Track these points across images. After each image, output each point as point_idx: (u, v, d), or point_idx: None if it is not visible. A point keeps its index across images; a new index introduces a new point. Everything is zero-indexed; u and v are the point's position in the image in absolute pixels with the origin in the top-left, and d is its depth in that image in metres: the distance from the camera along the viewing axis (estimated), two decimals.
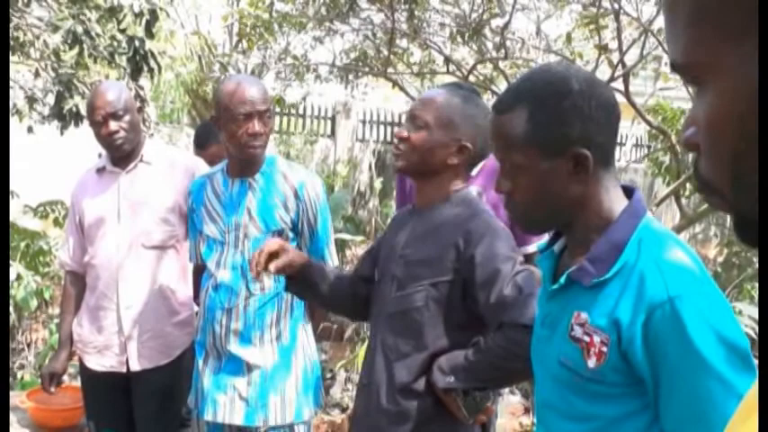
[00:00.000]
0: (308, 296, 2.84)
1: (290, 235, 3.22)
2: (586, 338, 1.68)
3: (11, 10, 5.59)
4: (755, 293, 6.54)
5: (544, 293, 1.89)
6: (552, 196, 1.75)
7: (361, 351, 5.28)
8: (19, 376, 6.02)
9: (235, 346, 3.24)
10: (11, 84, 8.26)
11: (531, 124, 1.73)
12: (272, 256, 2.61)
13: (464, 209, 2.52)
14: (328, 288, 2.74)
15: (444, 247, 2.46)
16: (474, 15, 7.81)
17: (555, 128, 1.71)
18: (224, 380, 3.26)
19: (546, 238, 1.96)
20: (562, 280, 1.75)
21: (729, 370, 1.52)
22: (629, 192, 1.79)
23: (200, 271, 3.50)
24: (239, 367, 3.24)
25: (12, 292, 6.01)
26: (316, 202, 3.28)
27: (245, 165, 3.25)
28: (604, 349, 1.64)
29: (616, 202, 1.75)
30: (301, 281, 2.72)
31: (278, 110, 11.98)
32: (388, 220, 2.87)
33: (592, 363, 1.67)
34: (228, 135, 3.18)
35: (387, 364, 2.54)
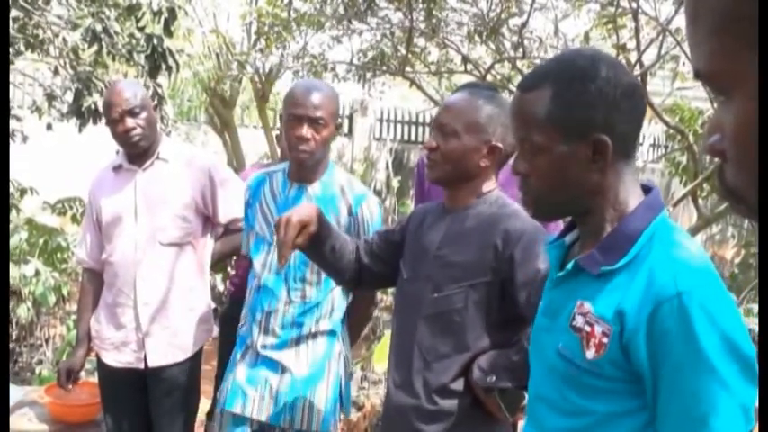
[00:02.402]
0: (310, 250, 2.69)
1: None
2: (587, 328, 1.64)
3: (31, 8, 5.63)
4: None
5: (549, 283, 1.86)
6: (568, 182, 1.71)
7: (378, 349, 5.27)
8: (37, 371, 6.05)
9: (270, 350, 3.23)
10: (30, 81, 8.31)
11: (555, 104, 1.69)
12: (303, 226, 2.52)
13: (498, 209, 2.51)
14: (331, 249, 2.68)
15: (482, 247, 2.45)
16: (492, 14, 7.79)
17: (578, 110, 1.67)
18: (258, 374, 3.24)
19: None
20: (569, 266, 1.72)
21: (733, 375, 1.49)
22: (647, 190, 1.75)
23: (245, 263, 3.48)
24: (275, 366, 3.23)
25: (30, 288, 6.05)
26: (369, 222, 3.23)
27: (300, 170, 3.23)
28: (605, 340, 1.61)
29: (632, 196, 1.72)
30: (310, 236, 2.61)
31: None
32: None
33: (590, 354, 1.63)
34: (284, 135, 3.21)
35: (424, 365, 2.52)
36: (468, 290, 2.45)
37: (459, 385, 2.49)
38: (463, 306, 2.46)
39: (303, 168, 3.22)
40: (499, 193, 2.58)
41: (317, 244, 2.63)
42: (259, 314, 3.24)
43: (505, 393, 2.46)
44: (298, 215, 2.52)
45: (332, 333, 3.28)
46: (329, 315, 3.26)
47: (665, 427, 1.58)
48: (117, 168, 3.69)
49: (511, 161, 3.02)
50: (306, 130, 3.10)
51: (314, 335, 3.24)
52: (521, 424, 3.84)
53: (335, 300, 3.27)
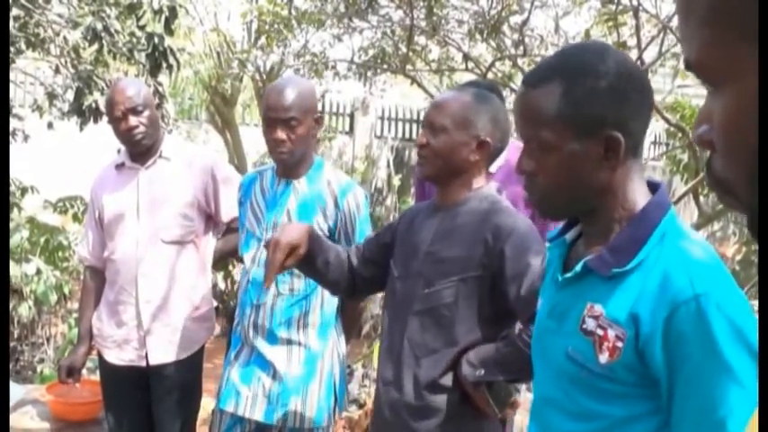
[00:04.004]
0: (301, 267, 2.73)
1: None
2: (600, 332, 1.59)
3: (32, 7, 5.63)
4: None
5: (552, 283, 1.80)
6: (578, 180, 1.65)
7: (378, 347, 5.28)
8: (39, 370, 6.06)
9: (262, 343, 3.24)
10: (31, 80, 8.31)
11: (566, 101, 1.62)
12: (292, 248, 2.56)
13: (489, 205, 2.53)
14: (324, 263, 2.70)
15: (473, 242, 2.48)
16: (493, 12, 7.79)
17: (590, 107, 1.61)
18: (251, 373, 3.26)
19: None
20: (578, 268, 1.66)
21: (751, 377, 1.45)
22: (653, 187, 1.70)
23: None
24: (267, 366, 3.24)
25: (32, 286, 6.05)
26: (355, 213, 3.23)
27: (285, 167, 3.25)
28: (619, 345, 1.55)
29: (640, 194, 1.66)
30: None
31: None
32: None
33: (603, 358, 1.58)
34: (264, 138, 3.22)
35: (414, 361, 2.54)
36: (458, 284, 2.48)
37: (448, 380, 2.51)
38: (453, 301, 2.49)
39: (287, 166, 3.24)
40: (490, 190, 2.61)
41: (308, 261, 2.66)
42: (248, 308, 3.26)
43: (494, 388, 2.47)
44: (287, 237, 2.55)
45: (323, 328, 3.29)
46: (319, 308, 3.26)
47: (681, 431, 1.54)
48: (119, 166, 3.69)
49: (507, 160, 3.04)
50: (280, 133, 3.11)
51: (304, 329, 3.24)
52: (518, 418, 3.85)
53: (325, 293, 3.25)
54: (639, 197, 1.67)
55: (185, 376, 3.69)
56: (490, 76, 7.90)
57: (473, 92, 2.60)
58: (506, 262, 2.40)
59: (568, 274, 1.71)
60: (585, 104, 1.62)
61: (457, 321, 2.49)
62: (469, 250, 2.48)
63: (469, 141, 2.52)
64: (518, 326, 2.46)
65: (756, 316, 1.50)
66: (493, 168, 3.19)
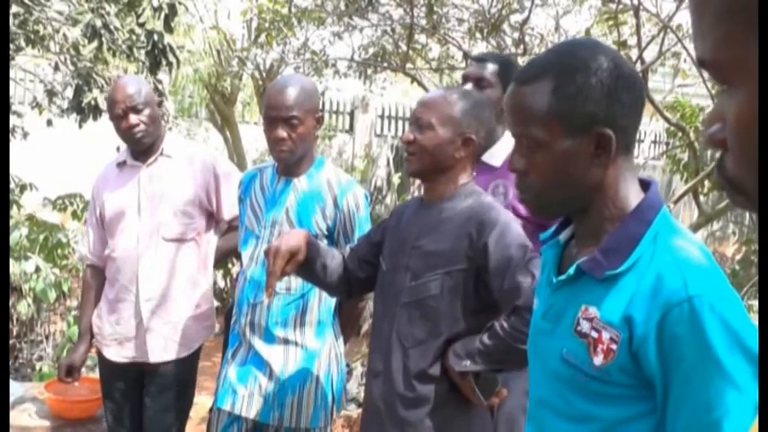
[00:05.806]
0: (300, 272, 2.79)
1: (325, 242, 3.16)
2: (594, 334, 1.58)
3: (32, 4, 5.63)
4: None
5: (547, 284, 1.78)
6: (569, 178, 1.64)
7: None
8: (37, 368, 6.06)
9: (258, 342, 3.23)
10: (30, 77, 8.30)
11: (556, 97, 1.62)
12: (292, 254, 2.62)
13: (473, 201, 2.62)
14: (322, 267, 2.77)
15: (458, 237, 2.56)
16: (493, 11, 7.79)
17: (581, 104, 1.60)
18: (248, 372, 3.25)
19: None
20: (571, 271, 1.65)
21: (745, 376, 1.44)
22: (645, 185, 1.69)
23: None
24: (263, 365, 3.24)
25: (31, 284, 6.04)
26: (355, 212, 3.22)
27: (285, 166, 3.25)
28: (613, 347, 1.55)
29: (633, 193, 1.65)
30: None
31: None
32: None
33: (598, 360, 1.57)
34: (264, 136, 3.22)
35: (403, 352, 2.63)
36: (444, 277, 2.56)
37: (436, 371, 2.59)
38: (439, 293, 2.57)
39: (287, 165, 3.24)
40: (475, 187, 2.69)
41: (307, 266, 2.73)
42: (246, 307, 3.27)
43: (480, 378, 2.54)
44: (287, 245, 2.62)
45: (320, 327, 3.28)
46: (317, 307, 3.26)
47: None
48: (121, 164, 3.70)
49: (489, 156, 3.11)
50: (281, 131, 3.11)
51: (301, 328, 3.23)
52: (528, 418, 3.85)
53: (322, 292, 3.24)
54: (631, 195, 1.66)
55: (182, 374, 3.69)
56: None
57: (459, 91, 2.70)
58: (490, 255, 2.49)
59: (562, 277, 1.70)
60: (576, 101, 1.61)
61: (442, 313, 2.58)
62: (455, 244, 2.56)
63: (455, 138, 2.60)
64: (504, 317, 2.51)
65: (753, 316, 1.49)
66: (498, 163, 3.23)
